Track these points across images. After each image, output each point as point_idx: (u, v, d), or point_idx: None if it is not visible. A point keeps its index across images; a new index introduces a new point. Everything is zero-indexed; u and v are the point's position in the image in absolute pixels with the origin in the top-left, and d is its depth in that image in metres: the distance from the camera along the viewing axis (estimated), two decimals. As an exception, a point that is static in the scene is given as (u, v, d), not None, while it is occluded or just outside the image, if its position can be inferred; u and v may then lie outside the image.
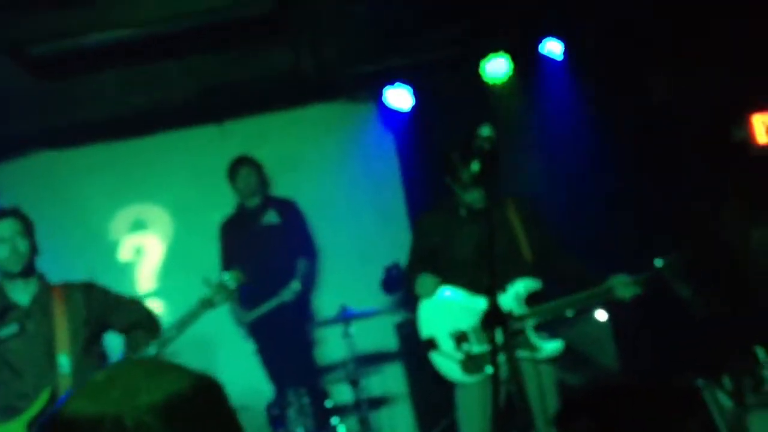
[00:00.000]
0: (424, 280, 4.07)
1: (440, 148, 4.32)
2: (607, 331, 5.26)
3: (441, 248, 4.14)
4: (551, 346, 3.99)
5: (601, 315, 5.24)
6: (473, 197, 3.98)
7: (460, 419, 4.06)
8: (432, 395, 4.98)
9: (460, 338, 3.96)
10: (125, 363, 0.96)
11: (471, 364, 3.94)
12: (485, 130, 3.43)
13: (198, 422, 0.92)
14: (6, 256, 3.71)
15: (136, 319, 3.91)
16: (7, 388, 3.70)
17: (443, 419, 4.94)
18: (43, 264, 3.89)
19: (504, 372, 3.43)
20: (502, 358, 3.32)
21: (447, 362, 3.98)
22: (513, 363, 3.40)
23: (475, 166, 3.53)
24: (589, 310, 5.09)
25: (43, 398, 3.60)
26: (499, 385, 3.23)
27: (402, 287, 5.45)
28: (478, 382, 3.93)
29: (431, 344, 4.01)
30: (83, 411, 0.90)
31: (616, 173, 5.79)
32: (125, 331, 3.93)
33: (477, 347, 3.93)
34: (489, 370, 3.89)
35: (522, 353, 3.88)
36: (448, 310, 4.02)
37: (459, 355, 3.95)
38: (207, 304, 3.78)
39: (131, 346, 3.85)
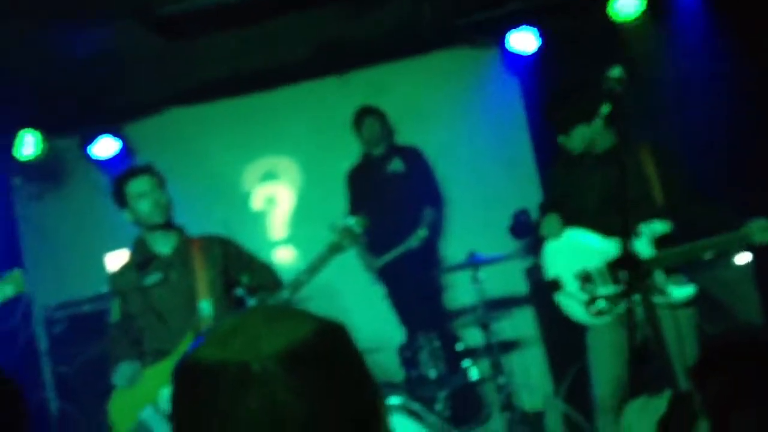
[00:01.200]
0: (549, 221, 4.02)
1: (567, 91, 4.19)
2: (748, 276, 5.03)
3: (569, 196, 4.06)
4: (681, 292, 3.85)
5: (742, 258, 5.01)
6: (601, 141, 3.88)
7: (591, 363, 4.00)
8: (564, 339, 4.93)
9: (585, 279, 3.89)
10: (249, 310, 0.96)
11: (597, 305, 3.87)
12: (616, 71, 3.31)
13: (323, 367, 0.91)
14: (149, 209, 3.87)
15: (265, 283, 4.02)
16: (154, 333, 3.91)
17: (576, 362, 4.89)
18: (180, 217, 4.05)
19: (638, 316, 3.35)
20: (626, 301, 3.25)
21: (571, 303, 3.93)
22: (649, 307, 3.31)
23: (605, 109, 3.42)
24: (728, 254, 4.88)
25: (187, 341, 3.79)
26: (634, 329, 3.16)
27: (531, 233, 5.40)
28: (608, 325, 3.85)
29: (556, 285, 3.97)
30: (209, 358, 0.91)
31: (753, 116, 5.47)
32: (251, 291, 4.05)
33: (602, 289, 3.86)
34: (616, 311, 3.82)
35: (653, 298, 3.77)
36: (574, 251, 3.96)
37: (583, 296, 3.89)
38: (335, 248, 3.85)
39: (261, 301, 3.98)
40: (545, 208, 4.21)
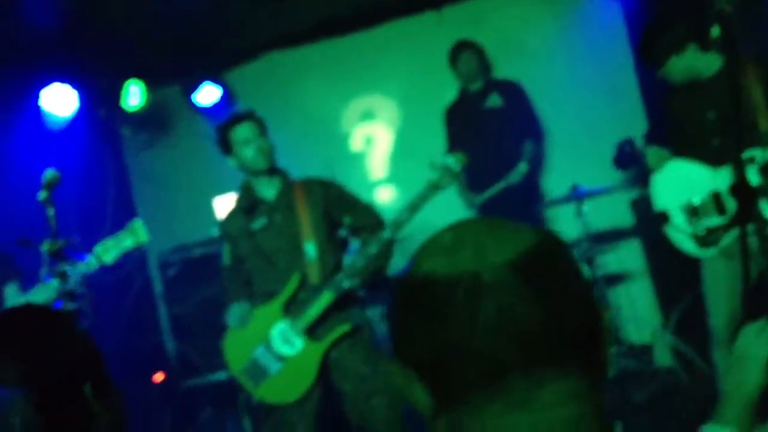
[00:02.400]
0: (651, 153, 3.93)
1: (673, 14, 4.03)
2: None
3: (677, 125, 3.94)
4: None
5: None
6: (703, 67, 3.73)
7: (706, 294, 3.91)
8: (673, 270, 4.83)
9: (692, 211, 3.79)
10: (467, 223, 0.95)
11: (705, 237, 3.77)
12: None
13: (552, 275, 0.92)
14: (252, 155, 3.95)
15: (367, 223, 4.06)
16: (263, 275, 4.02)
17: (686, 294, 4.79)
18: (282, 160, 4.12)
19: (752, 247, 3.24)
20: (737, 232, 3.13)
21: (680, 236, 3.85)
22: (763, 237, 3.19)
23: (715, 31, 3.27)
24: None
25: (294, 282, 3.90)
26: (748, 260, 3.06)
27: (636, 163, 5.26)
28: (721, 256, 3.75)
29: (664, 218, 3.88)
30: (439, 270, 0.92)
31: None
32: (354, 231, 4.11)
33: (711, 220, 3.75)
34: (725, 243, 3.71)
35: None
36: (680, 183, 3.85)
37: (692, 229, 3.80)
38: (434, 186, 3.84)
39: (364, 241, 4.02)
40: (651, 139, 4.10)
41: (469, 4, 6.21)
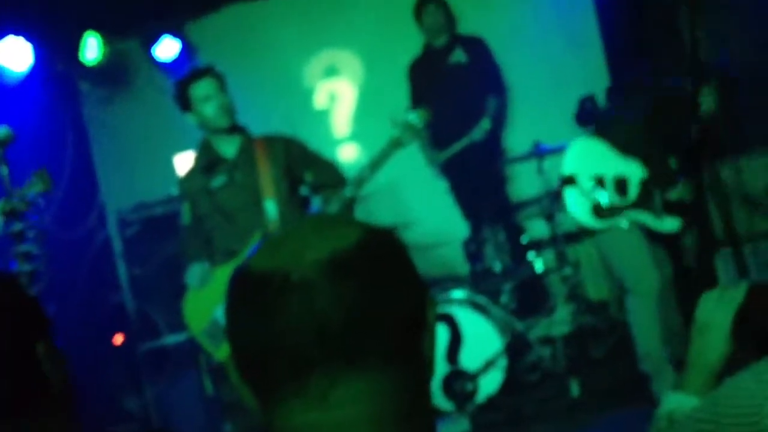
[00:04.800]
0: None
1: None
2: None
3: None
4: (670, 224, 3.98)
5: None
6: None
7: (620, 263, 4.10)
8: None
9: (601, 182, 3.98)
10: (305, 219, 0.98)
11: (603, 210, 3.97)
12: None
13: (364, 276, 0.91)
14: (214, 112, 3.90)
15: (329, 181, 4.04)
16: (223, 234, 4.00)
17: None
18: (243, 115, 4.07)
19: None
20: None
21: (582, 201, 4.03)
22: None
23: None
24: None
25: (254, 241, 3.88)
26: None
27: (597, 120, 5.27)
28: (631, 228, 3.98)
29: (569, 180, 4.04)
30: (260, 267, 0.93)
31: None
32: (316, 189, 4.08)
33: (613, 197, 3.95)
34: (615, 220, 3.96)
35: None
36: (595, 156, 4.06)
37: (597, 197, 3.98)
38: (396, 143, 3.83)
39: (325, 199, 4.01)
40: (612, 96, 4.15)
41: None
